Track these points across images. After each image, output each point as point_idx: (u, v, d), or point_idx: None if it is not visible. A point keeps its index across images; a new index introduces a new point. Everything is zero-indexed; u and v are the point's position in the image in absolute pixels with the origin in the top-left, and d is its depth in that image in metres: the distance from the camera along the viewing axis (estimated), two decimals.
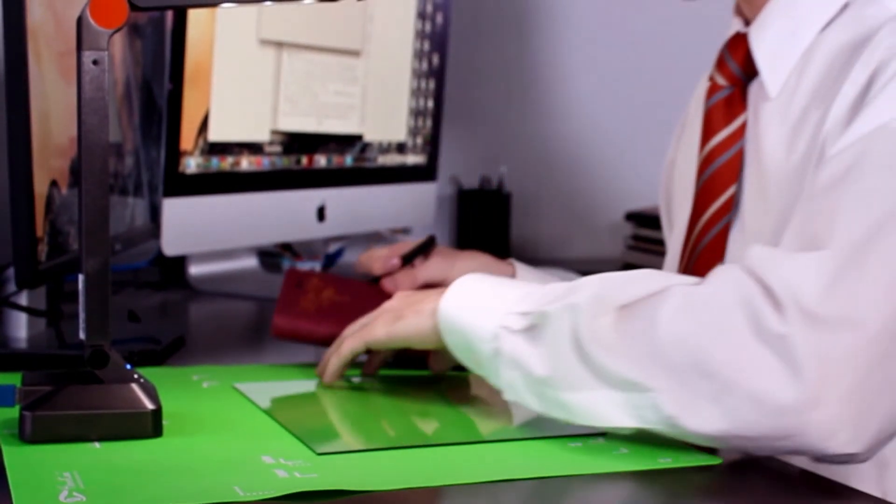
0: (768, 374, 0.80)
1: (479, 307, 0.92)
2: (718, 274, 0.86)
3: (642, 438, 0.88)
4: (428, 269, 1.23)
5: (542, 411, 0.89)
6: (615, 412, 0.84)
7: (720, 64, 1.11)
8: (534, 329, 0.88)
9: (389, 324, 0.99)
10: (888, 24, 0.95)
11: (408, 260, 1.25)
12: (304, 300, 1.12)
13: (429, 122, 1.85)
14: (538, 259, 2.00)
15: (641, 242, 1.94)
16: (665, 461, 0.83)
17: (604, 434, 0.89)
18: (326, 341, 1.07)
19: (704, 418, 0.81)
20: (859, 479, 0.90)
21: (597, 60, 2.09)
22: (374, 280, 1.24)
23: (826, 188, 0.87)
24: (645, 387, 0.83)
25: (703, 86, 1.24)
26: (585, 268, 1.85)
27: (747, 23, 1.11)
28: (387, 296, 1.09)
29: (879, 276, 0.81)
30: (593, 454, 0.85)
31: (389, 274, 1.22)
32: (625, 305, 0.86)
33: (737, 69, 1.09)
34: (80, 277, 0.86)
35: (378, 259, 1.25)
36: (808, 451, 0.81)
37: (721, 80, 1.10)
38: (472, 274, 0.97)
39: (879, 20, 0.96)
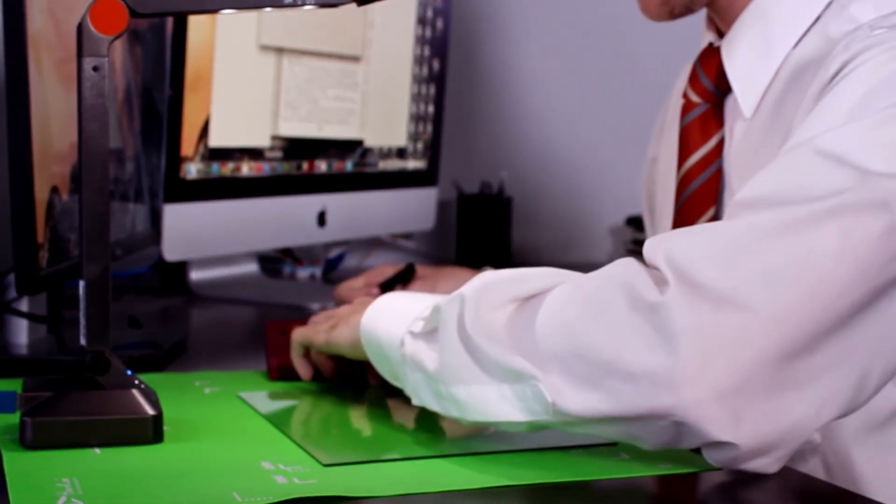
0: (642, 345, 0.76)
1: (392, 318, 0.91)
2: (610, 264, 0.84)
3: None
4: None
5: (440, 411, 0.87)
6: (505, 406, 0.82)
7: (693, 80, 1.09)
8: (433, 331, 0.87)
9: (329, 332, 1.00)
10: (844, 38, 0.92)
11: (386, 287, 1.24)
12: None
13: (429, 128, 1.85)
14: (539, 264, 2.00)
15: (642, 247, 1.93)
16: (665, 467, 0.83)
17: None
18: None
19: (585, 401, 0.78)
20: None
21: (598, 65, 2.09)
22: None
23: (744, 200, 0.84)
24: (528, 376, 0.80)
25: (681, 80, 1.24)
26: (585, 272, 1.86)
27: (720, 34, 1.09)
28: None
29: (782, 265, 0.77)
30: (594, 460, 0.85)
31: None
32: (520, 299, 0.84)
33: (710, 85, 1.07)
34: (81, 283, 0.86)
35: (357, 291, 1.25)
36: (688, 436, 0.77)
37: (694, 97, 1.08)
38: (396, 292, 0.97)
39: (841, 34, 0.94)
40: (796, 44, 1.01)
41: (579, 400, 0.78)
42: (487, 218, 1.98)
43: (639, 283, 0.79)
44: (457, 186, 1.99)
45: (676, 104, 1.18)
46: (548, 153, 2.12)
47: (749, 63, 1.04)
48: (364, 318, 0.94)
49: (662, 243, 0.80)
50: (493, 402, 0.83)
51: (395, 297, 0.95)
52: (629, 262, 0.82)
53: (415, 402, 0.89)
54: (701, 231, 0.82)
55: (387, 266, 1.29)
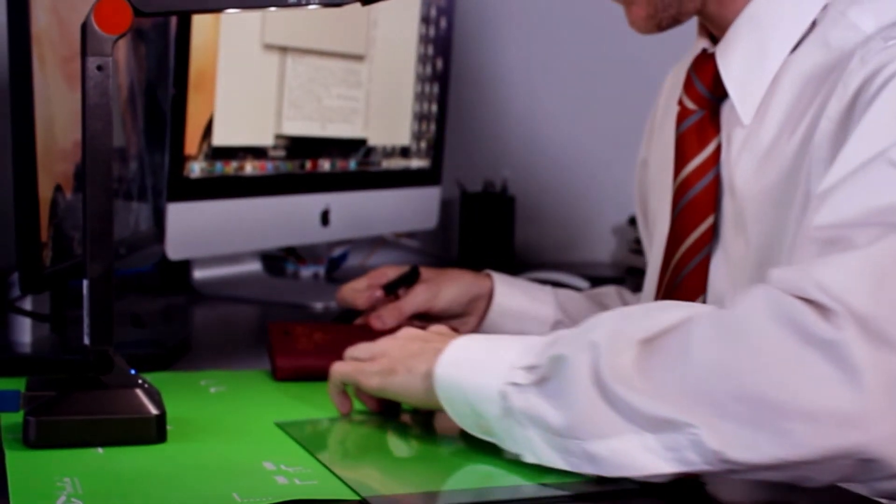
0: (822, 384, 0.73)
1: (478, 368, 0.86)
2: (745, 296, 0.79)
3: None
4: (413, 299, 1.22)
5: (568, 468, 0.80)
6: (650, 458, 0.76)
7: (688, 86, 1.08)
8: (546, 380, 0.82)
9: (383, 376, 0.94)
10: (858, 50, 0.92)
11: (390, 290, 1.24)
12: (299, 343, 1.10)
13: (432, 126, 1.85)
14: (542, 263, 2.00)
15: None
16: None
17: None
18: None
19: (756, 447, 0.73)
20: None
21: (600, 64, 2.09)
22: (355, 315, 1.23)
23: (829, 224, 0.82)
24: (681, 424, 0.75)
25: (668, 84, 1.24)
26: (588, 271, 1.87)
27: (714, 40, 1.09)
28: (376, 333, 1.05)
29: None
30: None
31: (373, 308, 1.21)
32: (647, 339, 0.79)
33: (705, 91, 1.06)
34: (84, 282, 0.86)
35: (360, 293, 1.23)
36: (875, 471, 0.74)
37: (690, 104, 1.07)
38: (466, 336, 0.91)
39: (848, 43, 0.94)
40: (793, 49, 1.01)
41: (750, 446, 0.74)
42: (490, 217, 1.97)
43: (804, 317, 0.74)
44: (460, 185, 1.99)
45: (666, 108, 1.18)
46: (551, 152, 2.12)
47: (745, 69, 1.03)
48: (438, 368, 0.88)
49: (807, 274, 0.77)
50: (636, 455, 0.77)
51: (470, 344, 0.90)
52: (776, 294, 0.77)
53: (530, 459, 0.82)
54: (843, 260, 0.78)
55: (390, 267, 1.28)
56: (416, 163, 1.83)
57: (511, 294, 1.27)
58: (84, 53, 0.85)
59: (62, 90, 1.08)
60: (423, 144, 1.84)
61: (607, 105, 2.09)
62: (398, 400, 0.95)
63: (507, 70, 2.10)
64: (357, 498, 0.75)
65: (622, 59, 2.07)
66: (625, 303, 1.31)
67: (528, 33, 2.09)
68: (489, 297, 1.27)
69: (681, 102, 1.09)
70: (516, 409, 0.82)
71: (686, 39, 1.19)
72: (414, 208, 1.86)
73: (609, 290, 1.34)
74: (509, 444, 0.84)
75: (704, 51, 1.09)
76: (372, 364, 0.95)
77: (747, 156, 1.02)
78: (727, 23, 1.05)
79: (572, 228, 2.15)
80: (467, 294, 1.25)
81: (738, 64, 1.04)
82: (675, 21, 1.07)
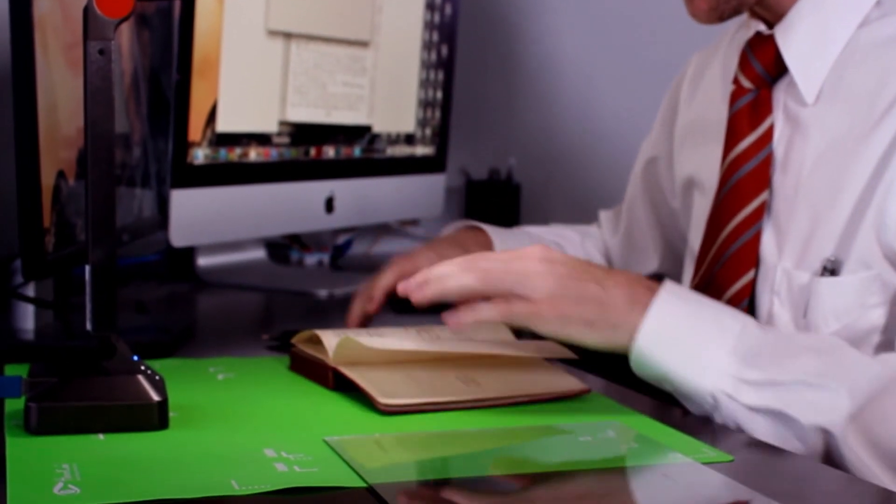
0: None
1: (687, 361, 0.92)
2: None
3: (654, 434, 0.88)
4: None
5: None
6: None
7: (744, 66, 1.09)
8: (772, 413, 0.90)
9: (584, 328, 0.94)
10: None
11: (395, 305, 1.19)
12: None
13: (437, 114, 1.85)
14: None
15: None
16: (676, 457, 0.83)
17: (615, 429, 0.89)
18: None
19: None
20: None
21: (607, 52, 2.08)
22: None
23: None
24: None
25: (690, 75, 1.24)
26: None
27: (768, 24, 1.10)
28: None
29: None
30: (603, 448, 0.85)
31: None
32: (858, 411, 0.88)
33: (762, 71, 1.07)
34: (87, 268, 0.86)
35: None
36: None
37: (746, 83, 1.08)
38: (663, 300, 0.93)
39: None
40: (858, 27, 1.03)
41: None
42: (496, 205, 1.97)
43: None
44: (465, 173, 1.98)
45: (690, 95, 1.18)
46: (557, 140, 2.12)
47: (808, 48, 1.05)
48: (641, 340, 0.93)
49: None
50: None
51: (671, 319, 0.93)
52: None
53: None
54: None
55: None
56: (420, 150, 1.82)
57: (506, 241, 1.32)
58: (86, 38, 0.85)
59: (65, 76, 1.07)
60: (428, 132, 1.83)
61: (613, 93, 2.08)
62: (563, 339, 0.96)
63: (512, 57, 2.09)
64: (359, 485, 0.75)
65: (629, 49, 2.06)
66: (586, 249, 1.39)
67: (533, 21, 2.08)
68: (490, 248, 1.30)
69: (736, 81, 1.10)
70: (727, 416, 0.91)
71: (699, 32, 1.19)
72: (419, 196, 1.85)
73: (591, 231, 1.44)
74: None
75: (758, 33, 1.09)
76: (565, 320, 0.94)
77: (815, 136, 1.03)
78: (784, 9, 1.07)
79: (578, 216, 2.14)
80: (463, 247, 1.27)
81: (800, 43, 1.05)
82: (736, 11, 1.09)
